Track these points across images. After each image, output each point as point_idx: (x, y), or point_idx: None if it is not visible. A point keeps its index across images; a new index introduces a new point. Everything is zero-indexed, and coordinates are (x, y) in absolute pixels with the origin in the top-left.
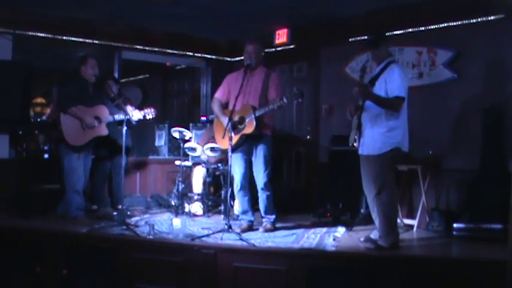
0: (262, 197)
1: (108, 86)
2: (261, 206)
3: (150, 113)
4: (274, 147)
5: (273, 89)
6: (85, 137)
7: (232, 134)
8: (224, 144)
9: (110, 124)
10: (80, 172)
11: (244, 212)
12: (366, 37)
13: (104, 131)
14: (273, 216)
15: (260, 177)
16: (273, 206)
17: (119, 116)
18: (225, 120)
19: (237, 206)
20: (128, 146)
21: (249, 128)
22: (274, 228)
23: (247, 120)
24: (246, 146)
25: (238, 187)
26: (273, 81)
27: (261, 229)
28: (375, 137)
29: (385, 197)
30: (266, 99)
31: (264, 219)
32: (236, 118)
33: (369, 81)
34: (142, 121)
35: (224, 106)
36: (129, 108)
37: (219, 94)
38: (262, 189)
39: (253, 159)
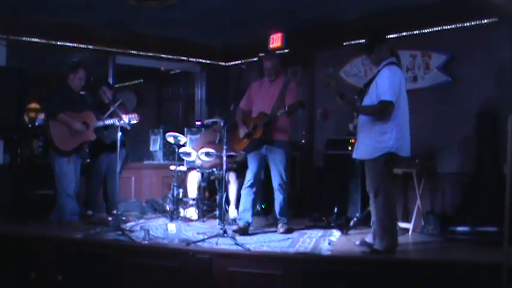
0: (278, 198)
1: (103, 92)
2: (277, 207)
3: (134, 118)
4: (290, 152)
5: (290, 96)
6: (74, 142)
7: (245, 139)
8: (238, 147)
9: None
10: (71, 176)
11: (244, 211)
12: (360, 41)
13: (91, 136)
14: (286, 218)
15: (276, 179)
16: (287, 208)
17: (107, 121)
18: (242, 128)
19: (232, 211)
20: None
21: (259, 133)
22: (290, 229)
23: (258, 126)
24: (261, 149)
25: (247, 184)
26: (291, 89)
27: (281, 230)
28: (366, 141)
29: (380, 201)
30: (283, 106)
31: (279, 221)
32: (251, 125)
33: (364, 85)
34: (132, 126)
35: (249, 114)
36: (124, 116)
37: (242, 103)
38: (277, 190)
39: (269, 162)
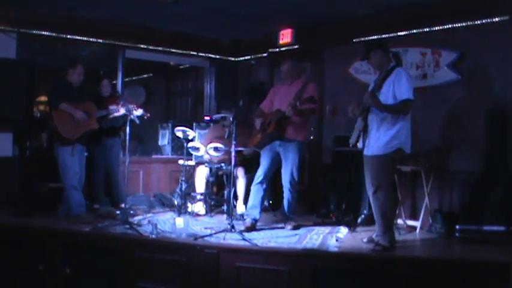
0: (287, 196)
1: (103, 85)
2: (285, 204)
3: (134, 109)
4: (304, 153)
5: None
6: (77, 130)
7: (259, 133)
8: (251, 142)
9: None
10: (75, 168)
11: (252, 207)
12: (370, 38)
13: (94, 125)
14: (294, 216)
15: (286, 177)
16: (296, 206)
17: (106, 111)
18: (258, 121)
19: (240, 206)
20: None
21: (271, 128)
22: (297, 226)
23: (271, 122)
24: (274, 145)
25: (257, 181)
26: (309, 89)
27: (288, 227)
28: (381, 138)
29: (381, 196)
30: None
31: (286, 218)
32: (267, 121)
33: (375, 84)
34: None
35: None
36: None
37: (263, 104)
38: (287, 188)
39: (282, 159)
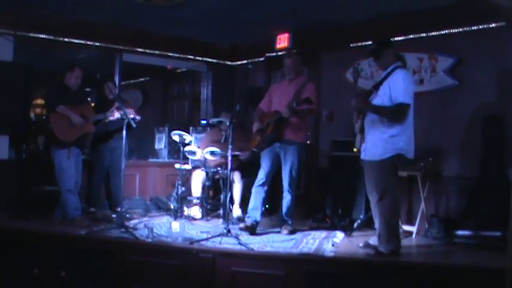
0: (286, 198)
1: (108, 88)
2: (284, 206)
3: (132, 113)
4: (303, 155)
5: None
6: (74, 133)
7: (258, 135)
8: (250, 145)
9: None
10: (71, 171)
11: (253, 209)
12: (367, 43)
13: (91, 128)
14: (291, 220)
15: (286, 178)
16: (294, 209)
17: (104, 115)
18: (256, 123)
19: (236, 210)
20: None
21: (269, 129)
22: (294, 231)
23: (270, 123)
24: (274, 147)
25: (259, 183)
26: (307, 89)
27: (284, 231)
28: (376, 142)
29: (386, 203)
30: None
31: (283, 222)
32: (265, 122)
33: (373, 86)
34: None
35: None
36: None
37: (261, 104)
38: (287, 190)
39: (281, 161)
